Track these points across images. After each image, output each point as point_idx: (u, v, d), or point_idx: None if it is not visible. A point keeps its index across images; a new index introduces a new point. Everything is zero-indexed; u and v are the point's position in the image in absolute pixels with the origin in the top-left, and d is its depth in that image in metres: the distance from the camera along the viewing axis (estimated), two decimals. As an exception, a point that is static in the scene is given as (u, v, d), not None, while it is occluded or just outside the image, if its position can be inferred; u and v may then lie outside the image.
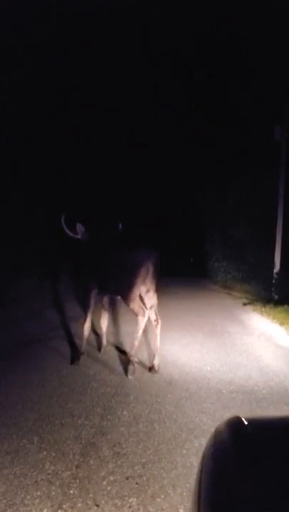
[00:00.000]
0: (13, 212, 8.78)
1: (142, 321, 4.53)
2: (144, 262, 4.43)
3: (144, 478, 2.49)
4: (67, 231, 5.06)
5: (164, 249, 23.71)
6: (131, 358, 4.53)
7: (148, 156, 17.53)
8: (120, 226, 5.33)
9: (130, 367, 4.47)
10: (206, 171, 17.57)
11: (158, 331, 4.82)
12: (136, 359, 4.63)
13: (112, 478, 2.48)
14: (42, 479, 2.47)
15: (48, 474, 2.52)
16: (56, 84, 10.53)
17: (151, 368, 4.64)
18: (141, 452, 2.80)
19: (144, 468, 2.61)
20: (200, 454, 2.68)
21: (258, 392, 4.12)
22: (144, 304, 4.58)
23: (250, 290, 13.18)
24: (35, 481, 2.44)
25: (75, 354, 5.08)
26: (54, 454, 2.76)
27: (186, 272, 21.22)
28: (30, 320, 7.42)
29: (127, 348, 5.46)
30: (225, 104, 13.81)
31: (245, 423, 1.07)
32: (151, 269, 4.49)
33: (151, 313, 4.75)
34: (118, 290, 4.68)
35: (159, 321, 4.86)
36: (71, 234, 5.06)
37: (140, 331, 4.53)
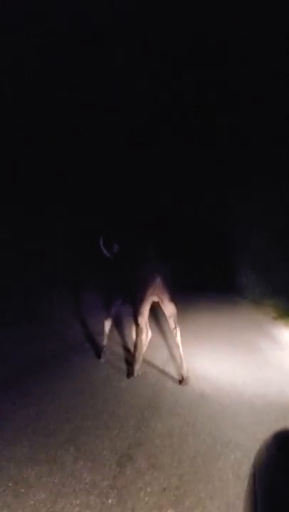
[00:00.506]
0: (45, 224, 8.98)
1: (140, 332, 4.90)
2: (149, 277, 4.65)
3: (181, 490, 2.51)
4: (106, 252, 5.43)
5: (191, 264, 23.74)
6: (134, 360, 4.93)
7: (175, 171, 17.52)
8: (116, 247, 5.58)
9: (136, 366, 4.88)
10: (233, 184, 17.44)
11: (178, 338, 4.94)
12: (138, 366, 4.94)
13: (149, 489, 2.50)
14: (80, 488, 2.52)
15: (86, 484, 2.57)
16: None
17: (181, 381, 4.70)
18: (176, 464, 2.82)
19: (180, 480, 2.62)
20: (236, 468, 2.71)
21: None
22: (163, 312, 4.94)
23: (280, 304, 12.97)
24: (74, 490, 2.50)
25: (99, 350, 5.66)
26: (91, 465, 2.81)
27: (214, 287, 21.09)
28: (58, 333, 7.53)
29: (157, 362, 5.52)
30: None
31: None
32: (158, 283, 4.68)
33: (170, 322, 4.99)
34: (131, 303, 4.97)
35: (178, 328, 4.98)
36: (108, 255, 5.41)
37: (142, 342, 5.05)
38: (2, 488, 2.52)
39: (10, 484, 2.56)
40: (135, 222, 11.55)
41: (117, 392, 4.35)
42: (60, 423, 3.50)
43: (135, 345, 4.97)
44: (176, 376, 4.91)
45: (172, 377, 4.88)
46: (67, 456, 2.93)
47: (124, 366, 5.40)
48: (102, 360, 5.56)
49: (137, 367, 4.90)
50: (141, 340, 4.97)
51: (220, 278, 23.92)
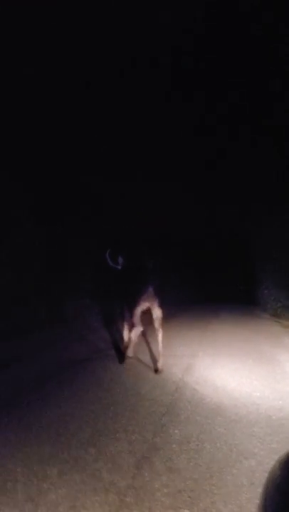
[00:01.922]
0: (67, 233, 9.23)
1: (134, 331, 5.87)
2: (143, 287, 5.57)
3: (196, 492, 2.61)
4: (111, 263, 6.32)
5: (212, 276, 23.71)
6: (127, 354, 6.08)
7: (198, 180, 17.58)
8: (121, 259, 6.38)
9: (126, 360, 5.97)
10: (254, 195, 17.41)
11: (160, 337, 5.87)
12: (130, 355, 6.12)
13: (165, 491, 2.62)
14: (100, 487, 2.65)
15: (106, 483, 2.70)
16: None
17: (156, 370, 5.62)
18: (192, 469, 2.92)
19: (195, 483, 2.73)
20: (250, 475, 2.80)
21: None
22: (152, 315, 5.79)
23: (302, 319, 12.89)
24: (94, 488, 2.63)
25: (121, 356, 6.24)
26: (110, 465, 2.94)
27: (235, 299, 21.05)
28: (81, 338, 7.71)
29: (176, 369, 5.64)
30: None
31: None
32: (150, 292, 5.57)
33: (155, 323, 5.84)
34: (129, 307, 5.82)
35: (161, 330, 5.87)
36: (114, 266, 6.32)
37: (133, 337, 5.99)
38: (26, 484, 2.67)
39: (34, 480, 2.71)
40: (142, 236, 11.71)
41: (137, 398, 4.48)
42: (81, 426, 3.65)
43: (128, 340, 6.10)
44: (179, 375, 5.05)
45: (192, 388, 4.97)
46: (88, 456, 3.07)
47: (144, 373, 5.54)
48: (124, 363, 5.95)
49: (130, 351, 6.10)
50: (131, 337, 5.99)
51: (241, 290, 23.85)
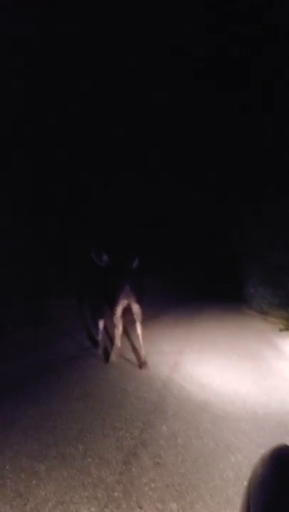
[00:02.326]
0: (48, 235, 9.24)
1: (116, 328, 6.14)
2: (123, 285, 5.79)
3: (183, 486, 2.65)
4: (96, 260, 6.40)
5: (199, 274, 23.75)
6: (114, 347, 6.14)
7: (180, 178, 17.64)
8: (105, 258, 6.39)
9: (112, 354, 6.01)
10: (239, 192, 17.55)
11: (139, 332, 6.09)
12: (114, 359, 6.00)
13: (153, 485, 2.65)
14: (88, 482, 2.67)
15: (94, 478, 2.72)
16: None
17: (141, 366, 5.77)
18: (180, 464, 2.96)
19: (182, 477, 2.77)
20: (236, 469, 2.85)
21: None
22: (131, 311, 6.02)
23: (287, 316, 13.02)
24: (82, 483, 2.65)
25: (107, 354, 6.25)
26: (98, 461, 2.96)
27: (221, 296, 21.20)
28: (67, 337, 7.70)
29: (163, 367, 5.68)
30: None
31: None
32: (127, 290, 5.79)
33: (135, 318, 6.04)
34: (110, 304, 6.06)
35: (140, 326, 6.09)
36: (98, 262, 6.39)
37: (117, 332, 6.18)
38: (15, 480, 2.68)
39: (22, 476, 2.72)
40: (129, 236, 11.72)
41: (124, 395, 4.50)
42: (68, 423, 3.66)
43: (112, 338, 6.35)
44: (166, 372, 5.06)
45: (179, 385, 5.02)
46: (76, 453, 3.08)
47: (131, 370, 5.56)
48: (110, 363, 5.89)
49: (113, 356, 5.99)
50: (115, 334, 6.16)
51: (229, 288, 23.99)
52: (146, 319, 10.58)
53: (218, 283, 25.16)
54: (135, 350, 6.63)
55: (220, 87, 12.73)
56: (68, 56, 9.27)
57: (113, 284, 5.94)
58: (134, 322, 6.07)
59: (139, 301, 5.99)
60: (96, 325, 6.84)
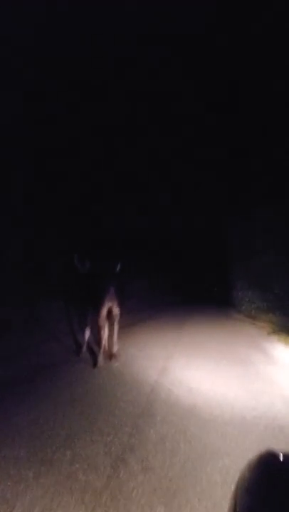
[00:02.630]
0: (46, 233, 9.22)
1: (102, 330, 6.28)
2: (106, 288, 6.21)
3: (171, 491, 2.66)
4: (79, 266, 6.68)
5: (187, 276, 23.72)
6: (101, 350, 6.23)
7: (170, 179, 17.67)
8: (119, 267, 6.68)
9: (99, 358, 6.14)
10: (229, 196, 17.64)
11: (116, 329, 6.52)
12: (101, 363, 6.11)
13: (140, 489, 2.65)
14: (76, 488, 2.66)
15: (81, 483, 2.72)
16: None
17: (111, 357, 6.32)
18: (168, 468, 2.97)
19: (170, 482, 2.78)
20: (223, 473, 2.86)
21: (281, 419, 4.18)
22: (111, 312, 6.34)
23: (275, 320, 13.07)
24: (70, 489, 2.64)
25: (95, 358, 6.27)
26: (86, 467, 2.95)
27: (210, 300, 21.25)
28: (55, 341, 7.67)
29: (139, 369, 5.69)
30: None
31: (280, 457, 1.09)
32: (111, 293, 6.21)
33: (114, 318, 6.45)
34: (95, 307, 6.32)
35: (117, 325, 6.54)
36: (81, 268, 6.67)
37: (104, 334, 6.31)
38: (1, 486, 2.66)
39: (9, 483, 2.70)
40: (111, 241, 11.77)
41: (112, 400, 4.50)
42: (56, 428, 3.64)
43: (98, 341, 6.35)
44: (154, 377, 5.07)
45: (168, 389, 5.03)
46: (64, 458, 3.07)
47: (120, 374, 5.56)
48: (98, 366, 5.95)
49: (100, 359, 6.12)
50: (101, 336, 6.26)
51: (216, 291, 24.06)
52: (135, 323, 10.65)
53: (207, 286, 25.22)
54: (109, 345, 6.65)
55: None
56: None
57: (98, 287, 6.25)
58: (112, 323, 6.48)
59: (120, 304, 6.45)
60: (82, 329, 6.92)
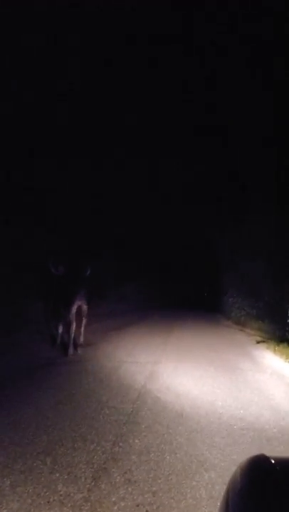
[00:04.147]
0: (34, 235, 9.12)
1: (70, 325, 7.23)
2: (77, 290, 7.19)
3: (154, 506, 2.54)
4: (53, 270, 7.49)
5: (177, 282, 23.73)
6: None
7: (159, 189, 17.67)
8: (88, 271, 7.47)
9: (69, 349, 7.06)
10: (219, 204, 17.67)
11: (83, 324, 7.53)
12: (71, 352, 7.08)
13: (122, 504, 2.53)
14: (54, 500, 2.53)
15: (61, 495, 2.59)
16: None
17: (76, 347, 7.25)
18: (151, 481, 2.85)
19: (154, 496, 2.65)
20: (209, 487, 2.74)
21: (269, 431, 4.07)
22: (81, 310, 7.35)
23: (264, 328, 13.01)
24: (48, 501, 2.51)
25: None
26: (66, 476, 2.82)
27: (199, 306, 21.21)
28: (43, 343, 7.55)
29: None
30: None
31: (272, 462, 1.03)
32: (81, 294, 7.20)
33: (82, 315, 7.41)
34: (65, 306, 7.24)
35: (85, 320, 7.53)
36: (56, 272, 7.50)
37: (72, 328, 7.22)
38: (-24, 496, 2.52)
39: (-16, 492, 2.57)
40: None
41: (98, 406, 4.37)
42: (37, 434, 3.51)
43: (67, 334, 7.24)
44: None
45: (154, 396, 4.91)
46: (44, 467, 2.94)
47: (107, 379, 5.44)
48: (85, 369, 6.03)
49: (70, 349, 7.05)
50: (70, 330, 7.17)
51: (206, 297, 24.05)
52: (123, 327, 10.56)
53: (196, 292, 25.20)
54: (77, 336, 7.44)
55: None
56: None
57: (69, 289, 7.16)
58: (81, 318, 7.41)
59: (88, 303, 7.43)
60: (56, 325, 7.71)
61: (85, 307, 7.42)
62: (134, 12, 9.07)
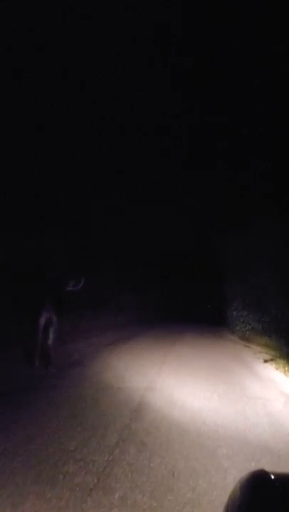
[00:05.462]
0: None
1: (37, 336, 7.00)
2: (45, 304, 7.04)
3: None
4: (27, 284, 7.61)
5: (180, 294, 23.44)
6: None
7: (165, 198, 17.08)
8: (82, 282, 7.72)
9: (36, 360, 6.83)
10: (224, 213, 17.02)
11: (51, 337, 7.15)
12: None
13: None
14: None
15: None
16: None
17: (48, 365, 6.88)
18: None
19: None
20: None
21: (274, 449, 3.78)
22: (50, 321, 7.14)
23: (271, 344, 12.00)
24: None
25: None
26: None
27: (203, 319, 20.60)
28: (26, 358, 6.98)
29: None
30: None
31: (272, 477, 1.04)
32: (48, 308, 7.04)
33: (53, 326, 7.17)
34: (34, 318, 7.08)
35: (54, 331, 7.19)
36: (29, 286, 7.60)
37: (40, 340, 7.01)
38: None
39: None
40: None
41: (60, 458, 3.21)
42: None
43: (35, 346, 6.94)
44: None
45: (131, 452, 3.81)
46: None
47: (82, 415, 4.32)
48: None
49: (36, 360, 6.80)
50: (38, 342, 6.93)
51: (211, 310, 23.38)
52: (117, 342, 9.72)
53: (200, 304, 24.79)
54: (46, 350, 7.08)
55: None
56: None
57: (36, 302, 7.15)
58: (48, 331, 7.13)
59: (57, 315, 7.22)
60: (34, 342, 7.11)
61: (54, 318, 7.24)
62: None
